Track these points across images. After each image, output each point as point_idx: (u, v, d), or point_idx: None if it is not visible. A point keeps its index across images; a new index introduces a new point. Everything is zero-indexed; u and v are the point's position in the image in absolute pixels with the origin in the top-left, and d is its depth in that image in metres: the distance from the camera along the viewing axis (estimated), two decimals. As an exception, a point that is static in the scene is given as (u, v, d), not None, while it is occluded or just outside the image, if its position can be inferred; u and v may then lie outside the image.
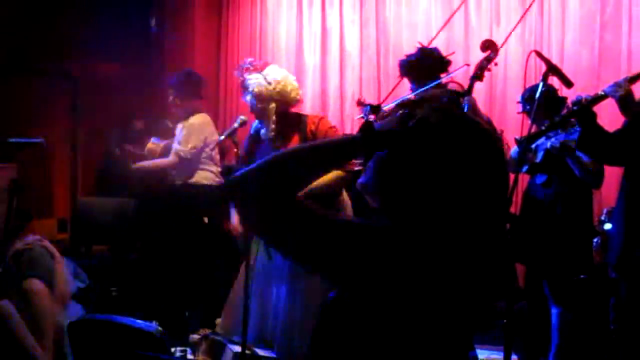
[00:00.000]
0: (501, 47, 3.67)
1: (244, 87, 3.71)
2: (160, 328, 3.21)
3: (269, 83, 3.61)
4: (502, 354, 2.68)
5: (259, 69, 3.69)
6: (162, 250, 4.90)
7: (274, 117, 3.63)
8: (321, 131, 3.60)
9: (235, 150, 3.45)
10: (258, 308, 3.62)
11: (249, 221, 1.42)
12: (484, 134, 1.37)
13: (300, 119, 3.70)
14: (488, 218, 1.36)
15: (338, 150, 1.41)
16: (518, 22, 3.55)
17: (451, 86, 4.79)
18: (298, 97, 3.73)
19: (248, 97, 3.67)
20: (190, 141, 4.65)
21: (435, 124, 1.34)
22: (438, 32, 4.50)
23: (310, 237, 1.32)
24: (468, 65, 4.12)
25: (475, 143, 1.34)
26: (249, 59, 3.83)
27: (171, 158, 4.70)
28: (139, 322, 3.06)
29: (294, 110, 3.75)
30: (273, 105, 3.61)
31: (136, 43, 6.52)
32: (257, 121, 3.76)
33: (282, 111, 3.66)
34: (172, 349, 3.76)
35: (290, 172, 1.35)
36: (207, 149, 4.69)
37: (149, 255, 5.17)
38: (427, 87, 3.70)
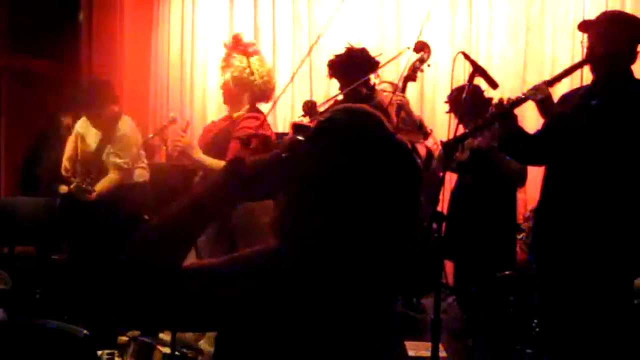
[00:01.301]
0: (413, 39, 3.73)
1: (226, 64, 3.66)
2: (86, 331, 3.13)
3: (252, 74, 3.59)
4: (430, 349, 2.72)
5: (249, 54, 3.64)
6: (90, 250, 4.78)
7: (247, 106, 3.61)
8: (238, 128, 3.54)
9: (164, 147, 3.40)
10: None
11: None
12: (390, 142, 1.28)
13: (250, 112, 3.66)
14: (393, 227, 1.27)
15: (202, 206, 1.28)
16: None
17: (383, 86, 4.86)
18: (267, 93, 3.71)
19: (227, 75, 3.62)
20: (129, 151, 4.49)
21: (337, 130, 1.26)
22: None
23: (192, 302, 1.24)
24: (409, 48, 4.14)
25: (379, 152, 1.25)
26: (242, 37, 3.75)
27: (115, 175, 4.46)
28: (64, 325, 2.97)
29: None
30: (248, 95, 3.60)
31: (64, 36, 6.34)
32: None
33: (252, 103, 3.65)
34: (99, 352, 3.67)
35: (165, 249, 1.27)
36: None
37: (76, 256, 5.03)
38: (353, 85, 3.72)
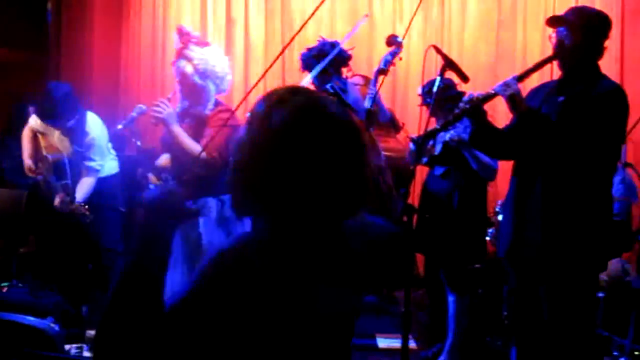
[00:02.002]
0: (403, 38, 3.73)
1: (183, 56, 3.47)
2: (53, 325, 3.09)
3: (213, 64, 3.47)
4: (400, 341, 2.73)
5: (202, 44, 3.52)
6: (58, 243, 4.71)
7: (211, 104, 3.50)
8: (213, 121, 3.47)
9: (133, 139, 3.33)
10: None
11: None
12: (343, 127, 1.35)
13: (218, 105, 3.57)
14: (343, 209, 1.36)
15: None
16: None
17: (355, 79, 4.86)
18: (227, 85, 3.60)
19: (189, 69, 3.44)
20: (101, 152, 4.39)
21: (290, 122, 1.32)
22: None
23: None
24: (367, 15, 4.13)
25: (331, 136, 1.32)
26: (189, 28, 3.60)
27: (91, 178, 4.34)
28: (30, 319, 2.93)
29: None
30: (212, 87, 3.49)
31: (31, 27, 6.24)
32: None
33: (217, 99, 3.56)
34: (67, 347, 3.63)
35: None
36: None
37: (43, 249, 4.96)
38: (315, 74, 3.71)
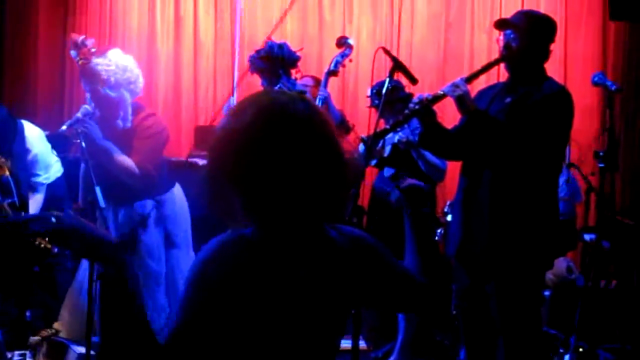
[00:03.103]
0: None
1: (88, 74, 3.27)
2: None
3: (123, 70, 3.28)
4: (351, 342, 2.73)
5: (102, 53, 3.31)
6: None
7: (129, 110, 3.33)
8: (138, 131, 3.35)
9: (77, 140, 3.22)
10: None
11: None
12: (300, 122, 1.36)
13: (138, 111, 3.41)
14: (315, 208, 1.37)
15: None
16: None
17: (305, 80, 4.85)
18: (141, 84, 3.42)
19: (98, 86, 3.26)
20: (47, 165, 4.23)
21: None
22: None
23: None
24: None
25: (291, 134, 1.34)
26: (82, 37, 3.35)
27: (40, 194, 4.14)
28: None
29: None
30: (127, 95, 3.31)
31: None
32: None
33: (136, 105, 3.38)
34: (9, 354, 3.53)
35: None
36: None
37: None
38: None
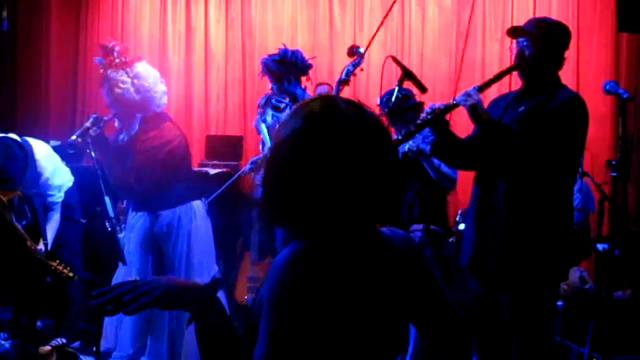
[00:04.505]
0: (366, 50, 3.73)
1: (106, 83, 3.32)
2: (4, 342, 3.00)
3: (137, 91, 3.30)
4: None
5: (126, 65, 3.32)
6: (14, 255, 4.57)
7: (137, 126, 3.36)
8: (137, 144, 3.36)
9: (88, 150, 3.23)
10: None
11: None
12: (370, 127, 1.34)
13: (159, 118, 3.44)
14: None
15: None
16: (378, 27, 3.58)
17: (321, 88, 4.87)
18: (164, 100, 3.45)
19: (112, 97, 3.32)
20: (60, 183, 4.20)
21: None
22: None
23: None
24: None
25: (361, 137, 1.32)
26: (113, 43, 3.37)
27: (55, 213, 4.09)
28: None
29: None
30: (138, 115, 3.35)
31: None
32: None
33: (145, 115, 3.40)
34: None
35: None
36: None
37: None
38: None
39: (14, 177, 3.83)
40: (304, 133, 1.30)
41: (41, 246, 3.76)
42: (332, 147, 1.28)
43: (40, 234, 3.89)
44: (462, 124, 3.69)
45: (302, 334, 1.26)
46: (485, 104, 2.92)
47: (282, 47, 4.07)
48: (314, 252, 1.31)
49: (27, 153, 3.92)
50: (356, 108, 1.35)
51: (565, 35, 2.90)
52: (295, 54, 3.93)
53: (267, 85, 4.14)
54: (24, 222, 3.92)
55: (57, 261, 3.66)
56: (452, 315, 1.49)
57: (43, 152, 4.07)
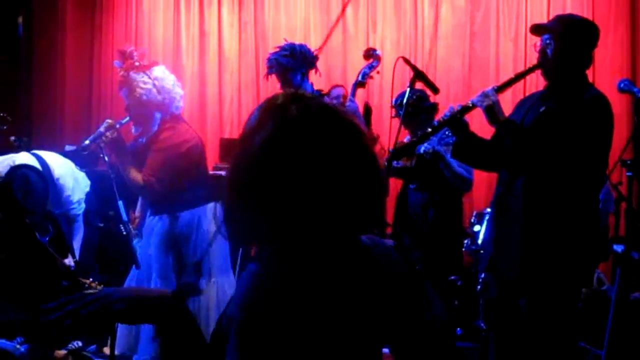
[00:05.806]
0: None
1: (125, 84, 3.36)
2: (19, 346, 3.01)
3: (158, 92, 3.33)
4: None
5: (145, 68, 3.36)
6: (30, 259, 4.60)
7: (156, 128, 3.38)
8: (152, 144, 3.39)
9: (101, 155, 3.25)
10: None
11: None
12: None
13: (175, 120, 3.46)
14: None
15: None
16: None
17: (336, 90, 4.85)
18: (181, 104, 3.49)
19: (132, 100, 3.35)
20: (79, 197, 4.22)
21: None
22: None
23: None
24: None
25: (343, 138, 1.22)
26: (131, 48, 3.44)
27: (81, 223, 4.15)
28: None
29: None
30: (158, 115, 3.37)
31: (2, 42, 6.16)
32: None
33: (163, 117, 3.42)
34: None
35: None
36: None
37: (12, 264, 4.84)
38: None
39: (37, 210, 3.81)
40: (263, 130, 1.23)
41: (70, 261, 3.79)
42: (295, 142, 1.19)
43: (67, 249, 3.91)
44: (476, 125, 3.67)
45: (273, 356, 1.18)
46: (504, 105, 2.84)
47: (286, 41, 3.95)
48: (281, 275, 1.20)
49: (46, 180, 3.89)
50: (319, 102, 1.25)
51: (591, 32, 2.76)
52: (302, 46, 3.83)
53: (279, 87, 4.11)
54: (47, 238, 3.91)
55: (90, 279, 3.66)
56: (431, 338, 1.30)
57: (61, 169, 4.05)
